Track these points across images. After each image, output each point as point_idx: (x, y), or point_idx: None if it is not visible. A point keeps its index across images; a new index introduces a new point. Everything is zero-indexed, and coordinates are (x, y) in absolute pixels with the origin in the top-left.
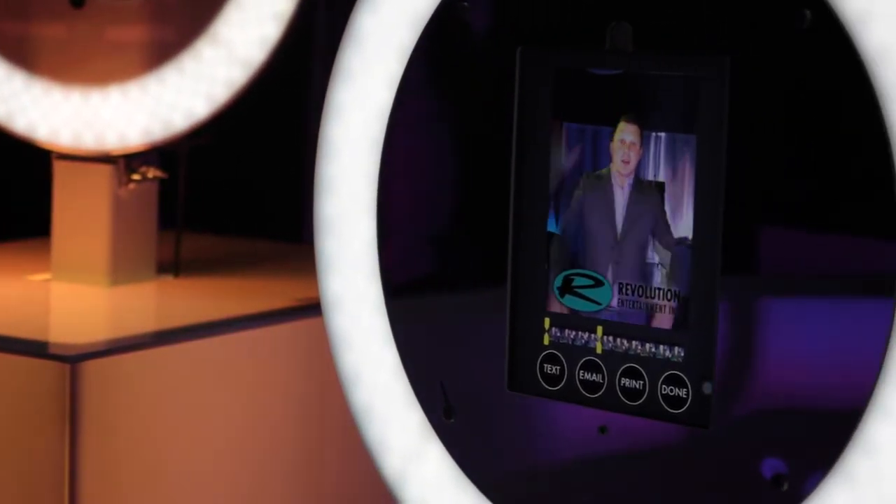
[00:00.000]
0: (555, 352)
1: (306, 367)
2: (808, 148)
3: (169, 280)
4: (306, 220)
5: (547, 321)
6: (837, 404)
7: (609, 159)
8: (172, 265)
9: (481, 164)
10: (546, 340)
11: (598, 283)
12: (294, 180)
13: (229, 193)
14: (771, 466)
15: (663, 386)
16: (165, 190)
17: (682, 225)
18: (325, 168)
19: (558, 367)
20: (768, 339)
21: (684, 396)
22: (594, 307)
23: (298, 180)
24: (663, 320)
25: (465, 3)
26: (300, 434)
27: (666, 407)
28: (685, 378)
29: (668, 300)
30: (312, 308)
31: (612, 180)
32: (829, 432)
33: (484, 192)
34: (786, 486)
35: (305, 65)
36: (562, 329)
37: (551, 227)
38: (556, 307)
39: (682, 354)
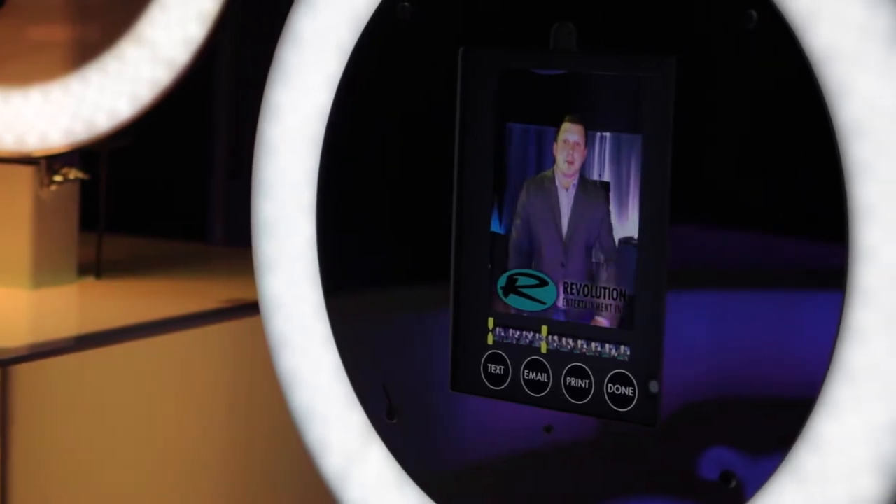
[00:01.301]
0: (499, 352)
1: (234, 368)
2: (754, 147)
3: (91, 282)
4: (213, 221)
5: (491, 321)
6: (786, 401)
7: (553, 159)
8: (93, 267)
9: (424, 164)
10: (490, 340)
11: (543, 283)
12: (201, 182)
13: (148, 194)
14: (719, 464)
15: (609, 385)
16: (86, 191)
17: (628, 224)
18: (263, 169)
19: (502, 367)
20: (716, 336)
21: (630, 395)
22: (539, 307)
23: (204, 182)
24: (609, 319)
25: (406, 4)
26: (228, 435)
27: (612, 406)
28: (631, 377)
29: (614, 299)
30: (238, 310)
31: (557, 180)
32: (777, 429)
33: (427, 192)
34: (734, 484)
35: (210, 66)
36: (506, 329)
37: (495, 227)
38: (500, 307)
39: (629, 353)
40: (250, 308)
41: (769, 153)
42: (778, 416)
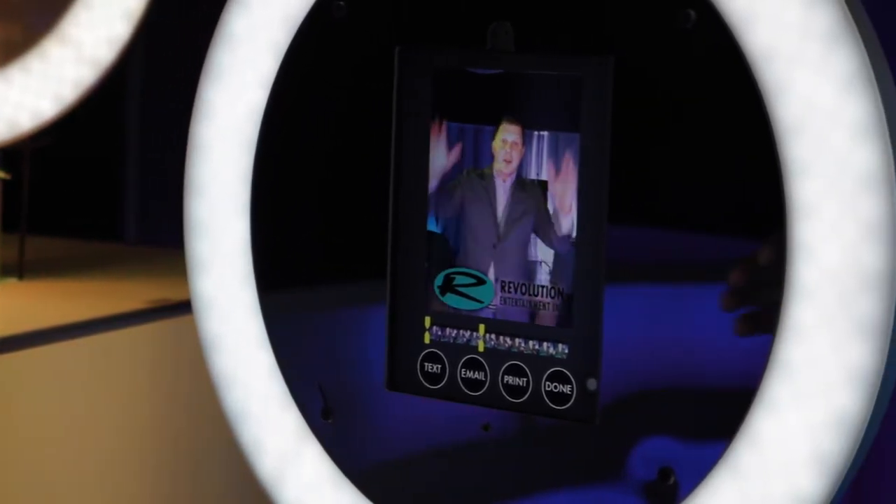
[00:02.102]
0: (436, 350)
1: (160, 369)
2: (693, 146)
3: (13, 283)
4: (127, 221)
5: (427, 320)
6: (725, 397)
7: (491, 158)
8: (15, 268)
9: (359, 163)
10: (427, 339)
11: (480, 282)
12: (114, 181)
13: (69, 195)
14: (657, 461)
15: (547, 383)
16: (7, 191)
17: (566, 223)
18: (196, 168)
19: (439, 366)
20: (655, 333)
21: (568, 393)
22: (476, 305)
23: (120, 182)
24: (547, 318)
25: (341, 3)
26: (154, 437)
27: (550, 404)
28: (569, 375)
29: (552, 298)
30: (164, 310)
31: (494, 179)
32: (715, 425)
33: (362, 191)
34: (672, 480)
35: (122, 66)
36: (443, 328)
37: (431, 226)
38: (436, 306)
39: (567, 351)
40: (175, 308)
41: (708, 152)
42: (716, 412)
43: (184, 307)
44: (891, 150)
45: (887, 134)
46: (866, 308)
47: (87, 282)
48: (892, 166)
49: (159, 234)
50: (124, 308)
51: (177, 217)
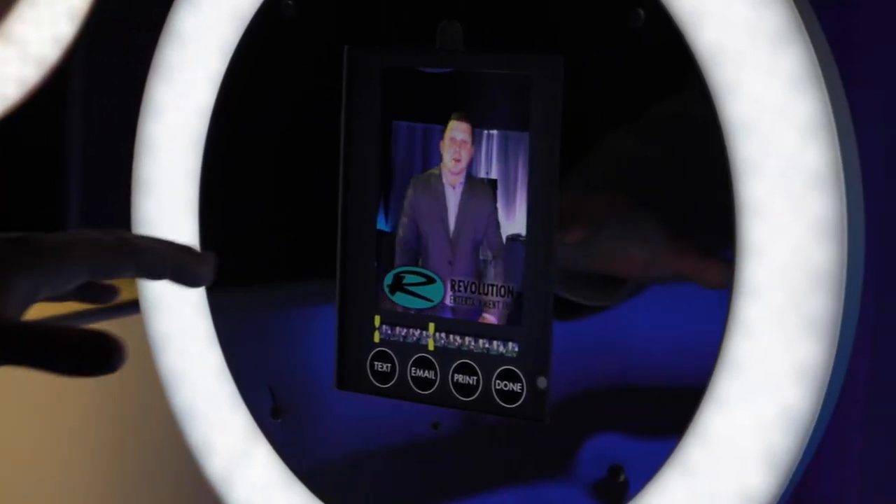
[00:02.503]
0: (386, 349)
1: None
2: (643, 145)
3: None
4: (69, 216)
5: (377, 319)
6: (674, 395)
7: (440, 157)
8: None
9: (309, 162)
10: (376, 338)
11: (430, 281)
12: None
13: (9, 189)
14: (608, 458)
15: (497, 381)
16: None
17: (515, 222)
18: (143, 167)
19: (389, 365)
20: (605, 331)
21: (519, 391)
22: (426, 304)
23: (62, 176)
24: (497, 316)
25: (290, 2)
26: (100, 437)
27: (500, 402)
28: (519, 373)
29: (502, 296)
30: (110, 310)
31: (444, 178)
32: (665, 422)
33: (312, 190)
34: (623, 477)
35: (66, 62)
36: (392, 327)
37: (381, 225)
38: (386, 305)
39: (517, 350)
40: (122, 308)
41: (657, 150)
42: (666, 409)
43: (130, 307)
44: (839, 150)
45: (836, 133)
46: (815, 306)
47: None
48: (841, 165)
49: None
50: (68, 308)
51: (120, 213)
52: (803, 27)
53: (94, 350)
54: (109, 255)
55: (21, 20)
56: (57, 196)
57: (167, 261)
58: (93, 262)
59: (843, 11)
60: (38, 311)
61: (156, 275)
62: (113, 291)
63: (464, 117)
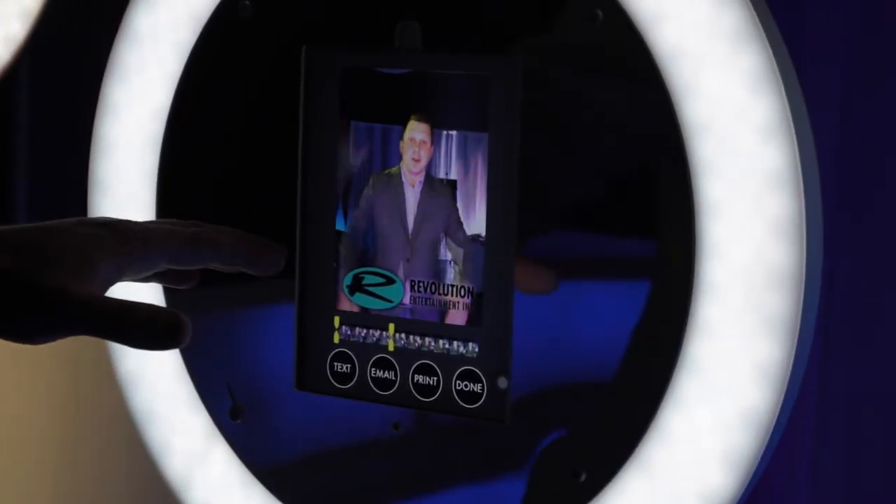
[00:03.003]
0: (345, 350)
1: (62, 370)
2: (602, 145)
3: None
4: (17, 214)
5: (337, 319)
6: (634, 394)
7: (399, 157)
8: None
9: (266, 162)
10: (336, 339)
11: (390, 281)
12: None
13: None
14: (568, 458)
15: (458, 382)
16: None
17: (475, 222)
18: (99, 167)
19: (349, 366)
20: (564, 331)
21: (479, 392)
22: (385, 305)
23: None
24: (457, 317)
25: (247, 2)
26: (57, 437)
27: (461, 402)
28: (480, 373)
29: (462, 297)
30: None
31: (403, 178)
32: (625, 422)
33: (270, 190)
34: (584, 477)
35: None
36: (352, 327)
37: (340, 225)
38: (346, 305)
39: (477, 350)
40: None
41: (617, 151)
42: (626, 409)
43: None
44: (797, 149)
45: (794, 133)
46: (775, 305)
47: None
48: (800, 165)
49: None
50: None
51: (69, 213)
52: (761, 27)
53: (165, 326)
54: (188, 244)
55: None
56: (4, 196)
57: (242, 250)
58: (173, 249)
59: (796, 12)
60: None
61: (231, 262)
62: (192, 277)
63: (423, 117)
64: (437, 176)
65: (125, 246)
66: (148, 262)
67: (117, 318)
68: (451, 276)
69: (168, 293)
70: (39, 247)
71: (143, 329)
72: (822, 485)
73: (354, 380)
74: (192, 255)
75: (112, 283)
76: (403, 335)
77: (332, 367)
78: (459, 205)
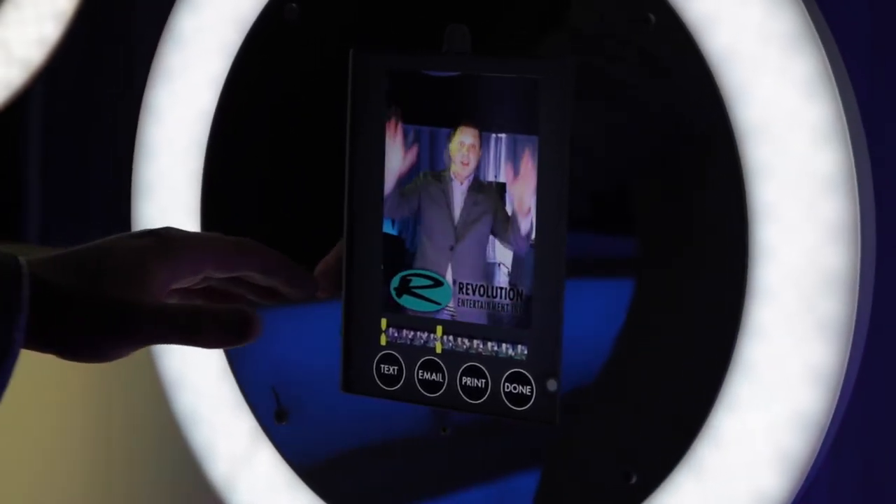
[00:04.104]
0: (392, 352)
1: (97, 375)
2: (654, 150)
3: None
4: (30, 220)
5: (384, 322)
6: (687, 397)
7: (447, 160)
8: None
9: (312, 165)
10: (383, 341)
11: (437, 284)
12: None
13: None
14: (619, 460)
15: (506, 384)
16: None
17: (524, 224)
18: (143, 170)
19: (396, 368)
20: (617, 334)
21: (528, 394)
22: (433, 307)
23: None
24: (505, 319)
25: (293, 4)
26: (90, 439)
27: (509, 405)
28: (529, 376)
29: (511, 299)
30: None
31: (451, 181)
32: (677, 425)
33: (316, 193)
34: (634, 479)
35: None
36: (399, 329)
37: (387, 228)
38: (393, 308)
39: (526, 352)
40: None
41: (669, 154)
42: (678, 411)
43: None
44: (851, 153)
45: (848, 136)
46: (827, 308)
47: None
48: (853, 168)
49: (61, 234)
50: None
51: (80, 217)
52: (815, 31)
53: (237, 324)
54: (234, 247)
55: (3, 22)
56: (16, 196)
57: (285, 265)
58: (218, 252)
59: (850, 15)
60: None
61: (272, 273)
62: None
63: (472, 120)
64: (486, 179)
65: (173, 251)
66: (195, 266)
67: (189, 322)
68: (500, 278)
69: None
70: (96, 264)
71: (216, 329)
72: (873, 485)
73: (401, 382)
74: (236, 259)
75: (167, 290)
76: (451, 337)
77: (378, 369)
78: (508, 207)
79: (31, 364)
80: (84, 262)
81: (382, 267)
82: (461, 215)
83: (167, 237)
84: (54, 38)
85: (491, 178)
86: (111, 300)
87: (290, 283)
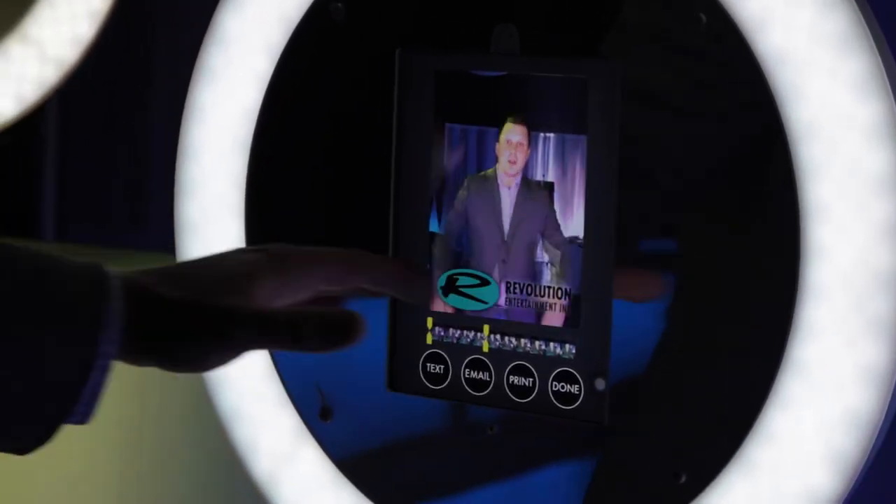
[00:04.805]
0: (438, 351)
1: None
2: (705, 149)
3: None
4: (44, 218)
5: (430, 321)
6: (738, 395)
7: (495, 159)
8: None
9: (358, 164)
10: (429, 340)
11: (485, 283)
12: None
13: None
14: (668, 459)
15: (554, 383)
16: None
17: (573, 224)
18: (186, 170)
19: (442, 367)
20: (665, 332)
21: (576, 393)
22: (480, 306)
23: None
24: (553, 318)
25: (339, 4)
26: (119, 440)
27: (557, 404)
28: (577, 374)
29: (559, 298)
30: None
31: (499, 180)
32: (728, 423)
33: (362, 192)
34: (684, 479)
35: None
36: (446, 328)
37: (433, 227)
38: (439, 307)
39: (574, 352)
40: None
41: (719, 153)
42: (729, 410)
43: None
44: None
45: None
46: (879, 307)
47: None
48: None
49: (78, 231)
50: None
51: (94, 214)
52: (867, 31)
53: (341, 327)
54: (344, 262)
55: (38, 21)
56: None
57: (393, 276)
58: (330, 267)
59: None
60: None
61: (381, 285)
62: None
63: (520, 120)
64: (534, 178)
65: (283, 265)
66: (305, 283)
67: (290, 327)
68: (548, 277)
69: None
70: (200, 274)
71: (320, 334)
72: None
73: (448, 381)
74: (347, 277)
75: (272, 303)
76: (498, 336)
77: (424, 367)
78: (557, 207)
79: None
80: (188, 273)
81: (429, 266)
82: (509, 214)
83: (278, 253)
84: (88, 38)
85: (539, 177)
86: (208, 306)
87: (401, 295)
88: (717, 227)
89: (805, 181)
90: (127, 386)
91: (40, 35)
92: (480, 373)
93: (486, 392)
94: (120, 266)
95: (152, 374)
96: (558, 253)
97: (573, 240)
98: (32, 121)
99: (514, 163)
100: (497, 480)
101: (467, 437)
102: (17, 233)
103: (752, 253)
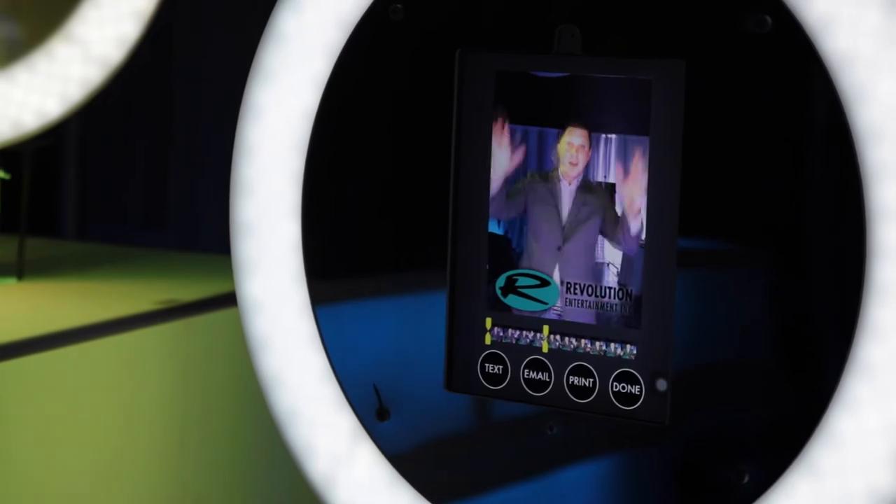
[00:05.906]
0: (497, 351)
1: (173, 371)
2: (769, 152)
3: (13, 284)
4: (64, 217)
5: (489, 321)
6: (801, 396)
7: (555, 160)
8: (13, 268)
9: (418, 165)
10: (488, 340)
11: (544, 283)
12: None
13: (66, 195)
14: (731, 460)
15: (614, 383)
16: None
17: (634, 225)
18: (242, 170)
19: (501, 367)
20: (730, 334)
21: (637, 393)
22: (539, 307)
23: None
24: (614, 319)
25: (398, 5)
26: (166, 438)
27: (618, 404)
28: (637, 375)
29: (620, 299)
30: (173, 311)
31: (559, 181)
32: (792, 424)
33: (420, 193)
34: (747, 479)
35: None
36: (505, 329)
37: (493, 227)
38: (498, 307)
39: (635, 352)
40: (185, 309)
41: (784, 155)
42: (793, 411)
43: (193, 308)
44: None
45: None
46: None
47: (90, 283)
48: None
49: (98, 230)
50: (131, 310)
51: (114, 213)
52: None
53: None
54: None
55: (82, 20)
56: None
57: None
58: None
59: None
60: (100, 314)
61: None
62: None
63: (581, 121)
64: (595, 179)
65: None
66: None
67: None
68: (609, 278)
69: (314, 296)
70: None
71: None
72: None
73: (506, 381)
74: None
75: None
76: (558, 337)
77: (483, 368)
78: (618, 208)
79: (146, 365)
80: None
81: (488, 266)
82: (569, 215)
83: None
84: (133, 38)
85: (600, 178)
86: None
87: None
88: (783, 228)
89: (871, 182)
90: (190, 386)
91: (85, 35)
92: (540, 373)
93: (545, 392)
94: (138, 265)
95: (214, 376)
96: (619, 254)
97: (634, 240)
98: (90, 123)
99: (575, 164)
100: (556, 479)
101: (526, 437)
102: (37, 232)
103: (817, 254)
